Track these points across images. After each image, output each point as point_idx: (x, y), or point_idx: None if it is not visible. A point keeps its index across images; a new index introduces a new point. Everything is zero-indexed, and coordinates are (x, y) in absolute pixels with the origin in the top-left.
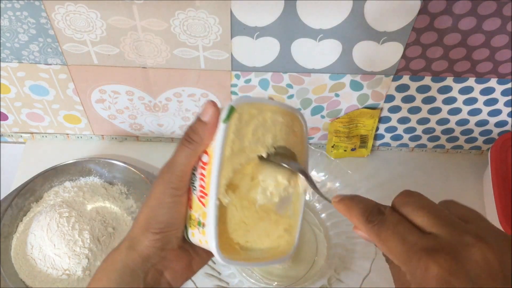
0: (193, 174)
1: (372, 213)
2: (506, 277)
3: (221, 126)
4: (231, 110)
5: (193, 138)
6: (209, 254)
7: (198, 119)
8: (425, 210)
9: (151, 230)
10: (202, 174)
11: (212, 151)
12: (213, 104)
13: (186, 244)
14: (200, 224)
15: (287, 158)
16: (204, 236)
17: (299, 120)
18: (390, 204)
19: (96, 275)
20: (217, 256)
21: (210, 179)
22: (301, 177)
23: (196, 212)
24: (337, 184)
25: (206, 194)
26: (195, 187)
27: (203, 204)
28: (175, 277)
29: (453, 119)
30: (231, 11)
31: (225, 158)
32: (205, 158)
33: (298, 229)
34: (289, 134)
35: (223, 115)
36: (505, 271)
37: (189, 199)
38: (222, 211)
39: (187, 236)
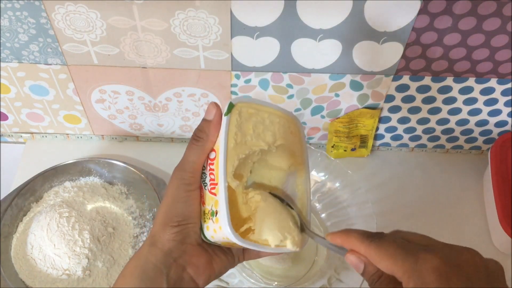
0: (203, 173)
1: (371, 233)
2: (489, 273)
3: (224, 119)
4: (231, 105)
5: (200, 135)
6: (227, 256)
7: (203, 119)
8: (416, 234)
9: (169, 224)
10: (211, 169)
11: (217, 144)
12: (215, 104)
13: (205, 244)
14: (213, 213)
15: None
16: (217, 223)
17: (295, 122)
18: (389, 204)
19: (121, 273)
20: (231, 236)
21: (218, 168)
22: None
23: (208, 205)
24: (337, 184)
25: (216, 184)
26: (206, 183)
27: (214, 194)
28: (197, 272)
29: (453, 119)
30: (231, 11)
31: (230, 149)
32: (212, 154)
33: (308, 219)
34: (287, 134)
35: (224, 110)
36: (487, 269)
37: (201, 196)
38: (232, 198)
39: (204, 235)
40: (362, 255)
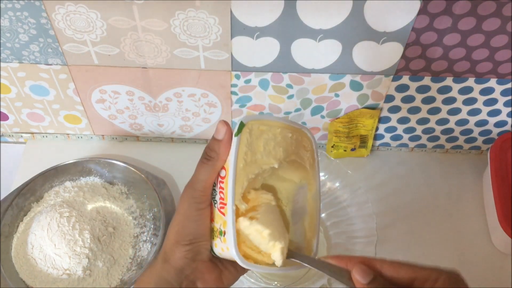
0: (214, 189)
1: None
2: None
3: (234, 140)
4: (241, 125)
5: (210, 155)
6: (236, 268)
7: (213, 138)
8: None
9: (181, 242)
10: (221, 188)
11: (227, 164)
12: (225, 123)
13: (215, 258)
14: (222, 233)
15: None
16: (225, 243)
17: (308, 136)
18: (389, 204)
19: (135, 286)
20: (237, 259)
21: (227, 188)
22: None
23: (217, 223)
24: (337, 184)
25: (225, 204)
26: (215, 200)
27: (223, 214)
28: (207, 286)
29: (453, 119)
30: (231, 11)
31: (239, 169)
32: (222, 173)
33: (315, 241)
34: (299, 148)
35: (235, 130)
36: None
37: (211, 213)
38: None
39: (212, 250)
40: (371, 269)
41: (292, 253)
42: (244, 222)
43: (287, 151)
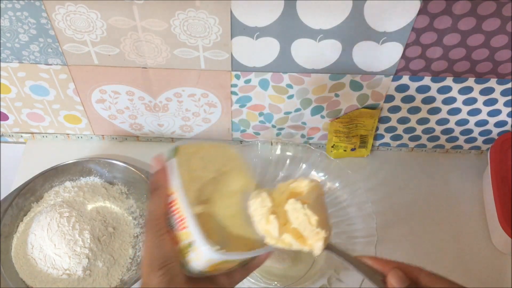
0: (168, 218)
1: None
2: None
3: (171, 163)
4: (175, 150)
5: (153, 186)
6: (216, 282)
7: (151, 173)
8: None
9: (154, 268)
10: (174, 210)
11: (173, 186)
12: (157, 157)
13: (194, 278)
14: (190, 245)
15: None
16: (196, 251)
17: (234, 148)
18: (389, 204)
19: None
20: (209, 251)
21: (180, 203)
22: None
23: (183, 241)
24: (337, 184)
25: (183, 219)
26: (174, 225)
27: (185, 228)
28: None
29: (453, 119)
30: (231, 11)
31: (185, 183)
32: (171, 198)
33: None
34: (230, 160)
35: (169, 156)
36: None
37: (176, 239)
38: (201, 221)
39: (190, 271)
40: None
41: (330, 246)
42: (296, 204)
43: (220, 163)
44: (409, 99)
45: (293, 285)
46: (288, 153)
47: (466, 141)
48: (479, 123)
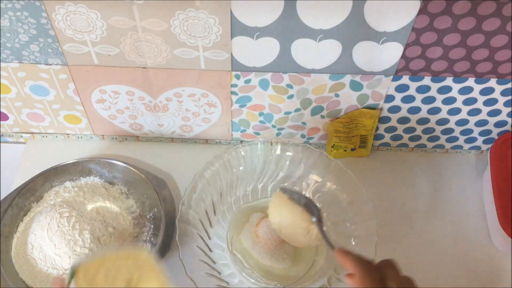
0: None
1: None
2: None
3: (71, 286)
4: (72, 270)
5: None
6: None
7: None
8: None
9: None
10: None
11: None
12: (57, 280)
13: None
14: None
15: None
16: None
17: (144, 254)
18: (389, 204)
19: None
20: None
21: None
22: None
23: None
24: (337, 184)
25: None
26: None
27: None
28: None
29: (453, 119)
30: (231, 11)
31: None
32: None
33: None
34: (140, 267)
35: (68, 279)
36: None
37: None
38: None
39: None
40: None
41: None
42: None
43: (129, 273)
44: (409, 99)
45: (293, 285)
46: (288, 153)
47: (466, 141)
48: (479, 123)
